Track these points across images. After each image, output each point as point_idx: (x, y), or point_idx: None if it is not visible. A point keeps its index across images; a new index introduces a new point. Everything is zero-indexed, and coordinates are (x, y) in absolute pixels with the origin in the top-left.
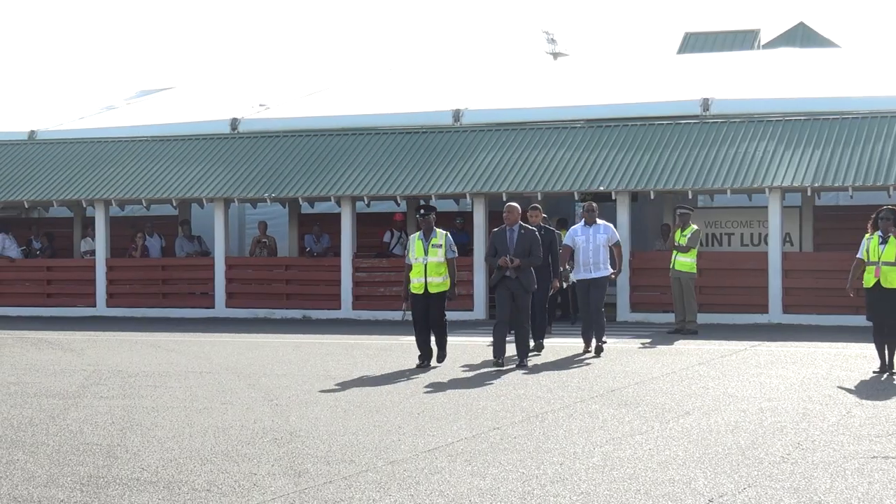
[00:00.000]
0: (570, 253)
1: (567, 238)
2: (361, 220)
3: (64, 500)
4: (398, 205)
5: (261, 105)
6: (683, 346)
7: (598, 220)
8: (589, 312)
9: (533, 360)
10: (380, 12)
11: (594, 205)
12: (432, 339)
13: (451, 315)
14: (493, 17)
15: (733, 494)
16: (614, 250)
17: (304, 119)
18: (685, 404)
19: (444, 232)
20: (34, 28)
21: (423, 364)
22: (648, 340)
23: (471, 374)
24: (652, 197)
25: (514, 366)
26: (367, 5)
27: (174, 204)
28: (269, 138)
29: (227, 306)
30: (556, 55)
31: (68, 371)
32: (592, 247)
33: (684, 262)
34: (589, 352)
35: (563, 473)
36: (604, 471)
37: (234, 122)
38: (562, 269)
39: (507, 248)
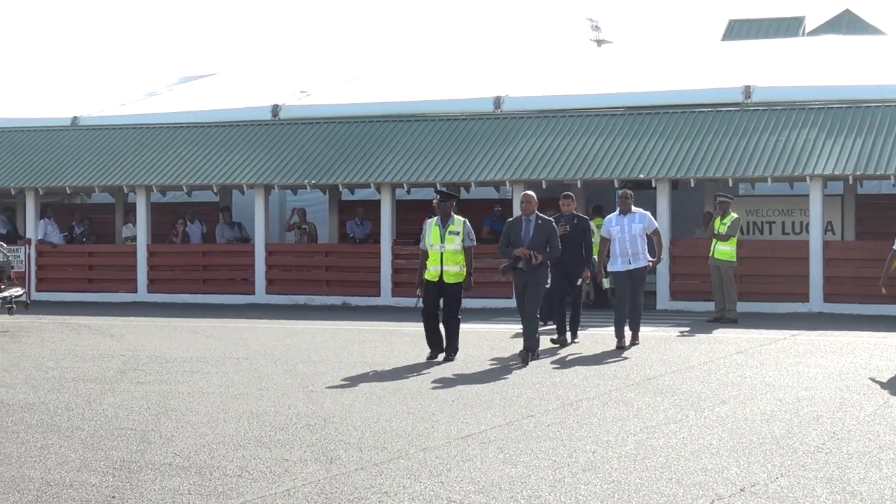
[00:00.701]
0: (608, 246)
1: (603, 229)
2: (401, 206)
3: (96, 484)
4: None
5: (302, 92)
6: (722, 334)
7: (634, 208)
8: (624, 306)
9: (568, 351)
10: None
11: (629, 192)
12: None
13: (487, 302)
14: (539, 4)
15: (765, 484)
16: (653, 238)
17: (345, 106)
18: (721, 393)
19: (463, 219)
20: (79, 15)
21: (434, 358)
22: (687, 329)
23: (505, 361)
24: (692, 185)
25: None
26: None
27: (215, 190)
28: (310, 125)
29: (268, 293)
30: (599, 42)
31: (107, 356)
32: (629, 237)
33: (724, 250)
34: (623, 348)
35: (594, 461)
36: (636, 459)
37: (276, 109)
38: (600, 266)
39: (521, 238)
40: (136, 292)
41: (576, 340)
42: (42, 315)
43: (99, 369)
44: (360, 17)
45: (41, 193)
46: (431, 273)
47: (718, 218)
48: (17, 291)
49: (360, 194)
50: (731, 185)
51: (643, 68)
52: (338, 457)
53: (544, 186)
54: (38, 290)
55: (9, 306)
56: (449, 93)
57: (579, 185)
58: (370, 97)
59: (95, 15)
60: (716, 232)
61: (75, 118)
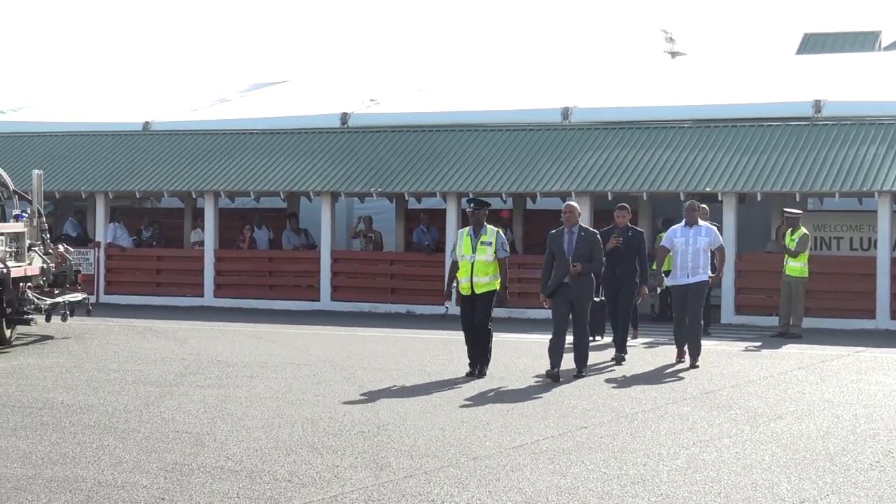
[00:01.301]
0: (667, 255)
1: (665, 239)
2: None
3: (147, 486)
4: (504, 202)
5: (371, 100)
6: (785, 349)
7: (702, 221)
8: (683, 321)
9: (622, 369)
10: (497, 10)
11: (697, 204)
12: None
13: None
14: (615, 17)
15: (815, 501)
16: (716, 254)
17: (414, 115)
18: (778, 408)
19: (496, 229)
20: (152, 21)
21: (473, 372)
22: (750, 343)
23: (562, 374)
24: (759, 199)
25: (573, 377)
26: (483, 3)
27: (282, 197)
28: (378, 133)
29: (333, 299)
30: (674, 54)
31: (169, 359)
32: (692, 250)
33: (795, 266)
34: (682, 361)
35: (644, 474)
36: (686, 473)
37: (344, 117)
38: (656, 270)
39: (564, 252)
40: (202, 297)
41: (622, 356)
42: (109, 318)
43: (160, 372)
44: (431, 27)
45: (111, 197)
46: (464, 286)
47: (788, 233)
48: (76, 297)
49: (427, 203)
50: (798, 199)
51: (714, 81)
52: (388, 464)
53: (610, 198)
54: (106, 293)
55: (63, 312)
56: (517, 103)
57: (645, 198)
58: (439, 106)
59: (170, 21)
60: (787, 248)
61: (147, 123)
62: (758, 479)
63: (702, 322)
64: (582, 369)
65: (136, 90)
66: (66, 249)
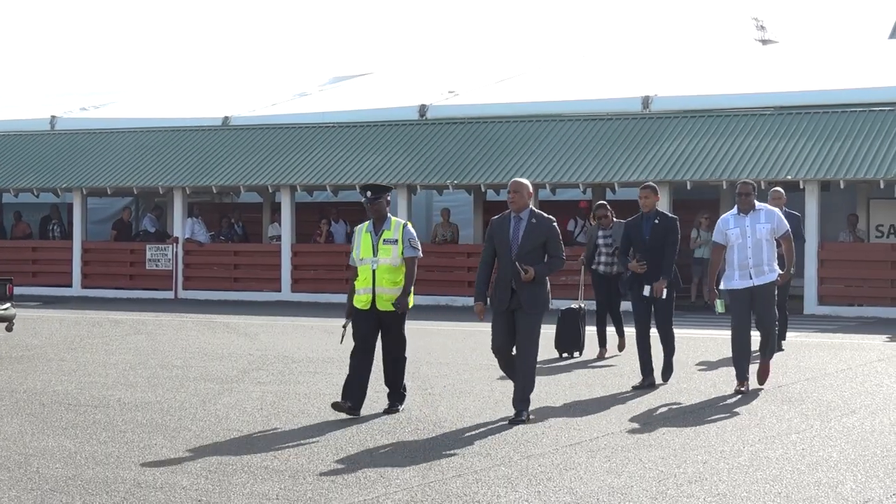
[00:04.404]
0: (722, 255)
1: (717, 232)
2: (545, 207)
3: (186, 486)
4: (583, 192)
5: (450, 92)
6: (868, 340)
7: (759, 204)
8: (744, 336)
9: (666, 392)
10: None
11: (751, 185)
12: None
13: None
14: (707, 5)
15: (879, 500)
16: (783, 244)
17: (492, 105)
18: (852, 402)
19: (402, 222)
20: (233, 15)
21: (342, 408)
22: (831, 335)
23: (627, 364)
24: (842, 186)
25: (509, 422)
26: None
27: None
28: (457, 125)
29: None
30: (764, 42)
31: (235, 355)
32: (751, 242)
33: None
34: (742, 392)
35: (703, 473)
36: (748, 471)
37: (423, 109)
38: (712, 282)
39: (509, 246)
40: (279, 291)
41: (659, 382)
42: (184, 313)
43: (223, 368)
44: (511, 17)
45: (188, 193)
46: (362, 299)
47: None
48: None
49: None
50: (882, 186)
51: (799, 68)
52: (438, 463)
53: (689, 187)
54: (184, 289)
55: None
56: (597, 93)
57: (724, 187)
58: (518, 97)
59: (252, 15)
60: None
61: (226, 118)
62: (822, 478)
63: (777, 333)
64: (522, 410)
65: (217, 85)
66: None
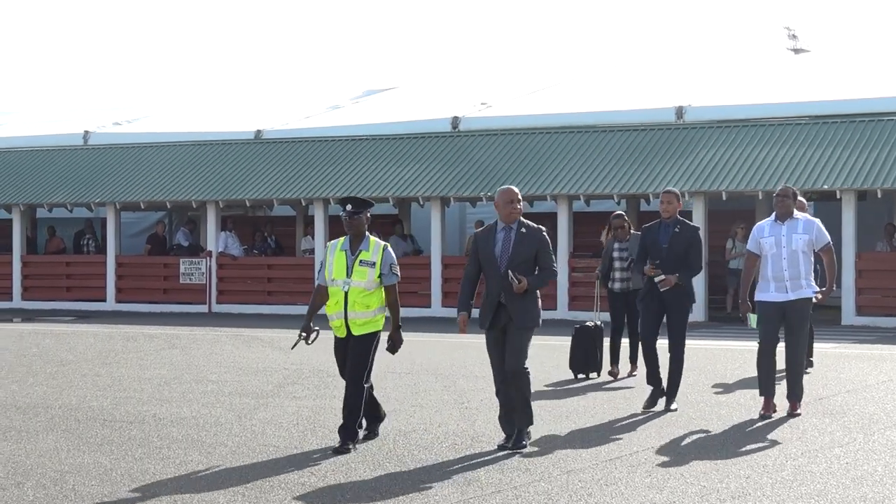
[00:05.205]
0: (755, 266)
1: (751, 241)
2: (579, 219)
3: (223, 503)
4: (617, 203)
5: (482, 103)
6: None
7: (798, 213)
8: (771, 353)
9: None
10: (612, 9)
11: (791, 190)
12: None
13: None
14: (736, 15)
15: None
16: (823, 258)
17: (525, 117)
18: (895, 415)
19: (382, 243)
20: (265, 29)
21: (348, 450)
22: (871, 346)
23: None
24: (879, 195)
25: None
26: (598, 2)
27: (392, 202)
28: (489, 136)
29: (443, 305)
30: (796, 51)
31: (270, 369)
32: (787, 252)
33: None
34: (769, 416)
35: (746, 488)
36: (791, 486)
37: (456, 121)
38: (745, 294)
39: (496, 259)
40: None
41: (672, 408)
42: (218, 327)
43: (259, 383)
44: (544, 28)
45: (221, 206)
46: (337, 325)
47: None
48: None
49: (540, 207)
50: None
51: (833, 77)
52: (477, 478)
53: (724, 198)
54: (218, 303)
55: None
56: (630, 103)
57: (760, 197)
58: (551, 108)
59: (283, 29)
60: None
61: (259, 131)
62: (867, 493)
63: (807, 355)
64: (522, 438)
65: (249, 99)
66: None
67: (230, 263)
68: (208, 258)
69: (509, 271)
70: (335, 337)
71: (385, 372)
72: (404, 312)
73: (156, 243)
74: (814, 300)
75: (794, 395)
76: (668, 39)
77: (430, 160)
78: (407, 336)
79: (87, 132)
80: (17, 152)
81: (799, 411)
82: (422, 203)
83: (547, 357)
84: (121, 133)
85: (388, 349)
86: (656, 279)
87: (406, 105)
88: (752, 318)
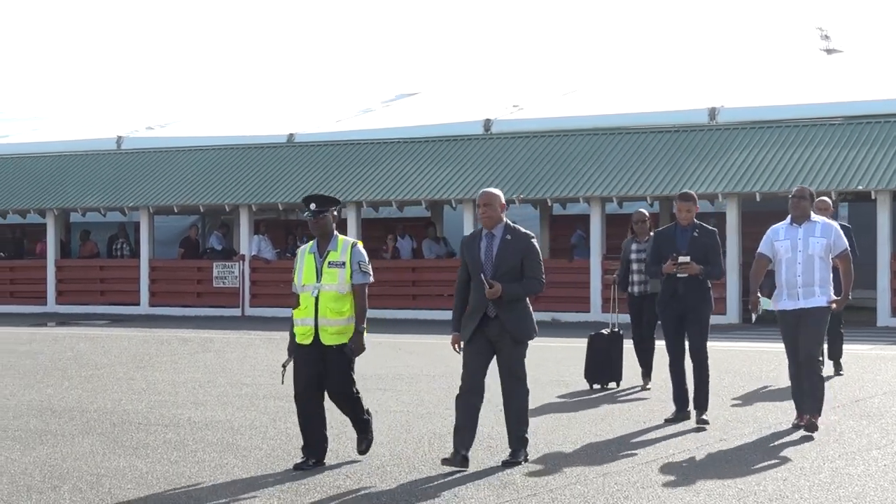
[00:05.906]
0: (765, 267)
1: (764, 243)
2: (611, 221)
3: None
4: (650, 205)
5: (514, 106)
6: None
7: (815, 216)
8: (797, 364)
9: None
10: (644, 10)
11: (808, 191)
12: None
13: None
14: (769, 16)
15: None
16: (839, 265)
17: (558, 119)
18: None
19: (351, 241)
20: (297, 34)
21: (306, 463)
22: None
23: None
24: None
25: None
26: (630, 4)
27: (425, 205)
28: (522, 139)
29: None
30: (829, 51)
31: None
32: (803, 257)
33: None
34: (799, 426)
35: (783, 491)
36: (829, 488)
37: (487, 123)
38: (755, 290)
39: (480, 262)
40: None
41: (703, 420)
42: (251, 331)
43: (292, 386)
44: (576, 30)
45: (254, 210)
46: (302, 331)
47: None
48: None
49: (573, 209)
50: None
51: (867, 77)
52: (513, 482)
53: (758, 199)
54: (251, 306)
55: None
56: (662, 105)
57: None
58: (583, 110)
59: (315, 32)
60: None
61: (291, 135)
62: None
63: (822, 363)
64: (518, 451)
65: (281, 102)
66: None
67: (263, 267)
68: (241, 262)
69: (480, 275)
70: (298, 346)
71: (419, 375)
72: (439, 315)
73: (189, 247)
74: (830, 308)
75: (813, 406)
76: (701, 40)
77: (463, 162)
78: (441, 339)
79: (120, 137)
80: (51, 157)
81: (815, 426)
82: (454, 205)
83: (579, 361)
84: (154, 137)
85: (346, 352)
86: (680, 259)
87: (437, 108)
88: (766, 302)
